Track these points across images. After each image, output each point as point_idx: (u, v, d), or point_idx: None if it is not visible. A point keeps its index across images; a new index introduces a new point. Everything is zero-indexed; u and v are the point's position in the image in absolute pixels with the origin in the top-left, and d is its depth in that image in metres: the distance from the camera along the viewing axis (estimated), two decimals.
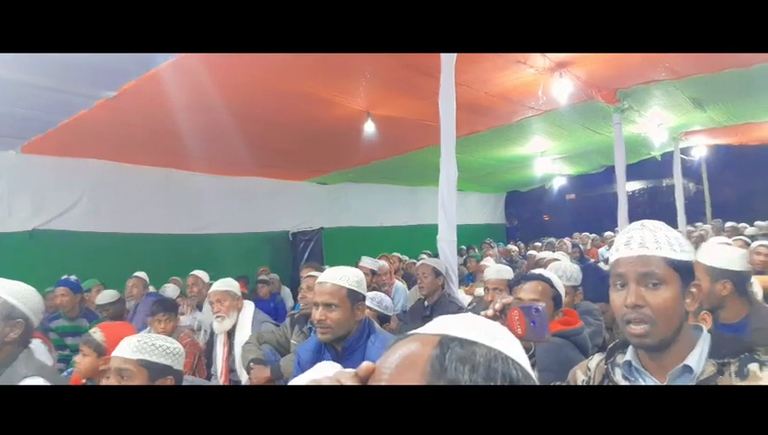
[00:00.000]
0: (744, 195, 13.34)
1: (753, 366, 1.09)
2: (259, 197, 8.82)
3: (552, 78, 5.43)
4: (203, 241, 7.91)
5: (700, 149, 11.47)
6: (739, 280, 2.25)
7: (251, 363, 2.95)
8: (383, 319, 3.30)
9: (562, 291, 2.23)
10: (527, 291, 2.14)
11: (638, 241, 1.17)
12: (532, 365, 1.32)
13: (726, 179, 13.11)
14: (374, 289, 4.25)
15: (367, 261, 5.32)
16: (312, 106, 5.57)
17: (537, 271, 2.35)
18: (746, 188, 13.46)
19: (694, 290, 1.18)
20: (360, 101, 5.64)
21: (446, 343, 0.62)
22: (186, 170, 7.74)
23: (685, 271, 1.16)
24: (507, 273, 3.32)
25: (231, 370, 3.33)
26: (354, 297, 2.12)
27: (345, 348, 2.10)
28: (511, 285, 2.73)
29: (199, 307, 4.82)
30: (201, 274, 4.98)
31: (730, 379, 1.09)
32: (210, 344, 3.56)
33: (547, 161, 10.28)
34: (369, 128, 6.10)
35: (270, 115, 5.75)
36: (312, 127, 6.31)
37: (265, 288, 6.77)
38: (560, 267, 2.90)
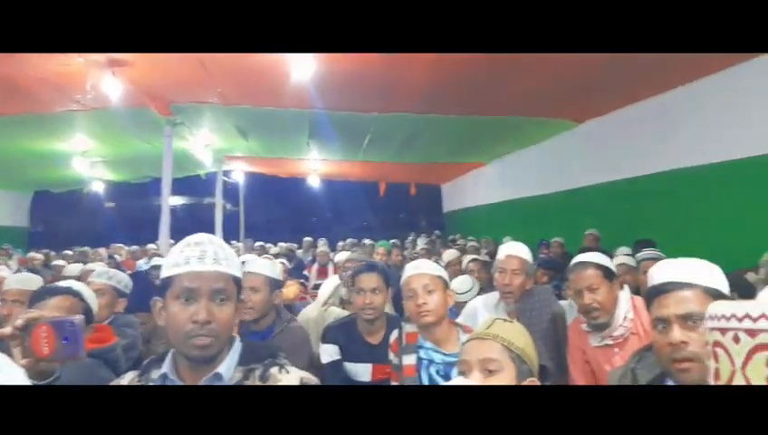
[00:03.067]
0: (271, 218, 15.51)
1: (274, 370, 1.22)
2: None
3: (104, 75, 5.01)
4: None
5: (239, 173, 12.66)
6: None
7: None
8: None
9: (95, 305, 2.00)
10: (53, 307, 1.82)
11: (212, 257, 1.19)
12: None
13: (258, 204, 14.88)
14: None
15: None
16: None
17: (65, 283, 2.02)
18: (273, 213, 15.71)
19: (240, 303, 1.26)
20: None
21: None
22: None
23: (239, 286, 1.24)
24: (32, 283, 2.77)
25: None
26: None
27: None
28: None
29: None
30: None
31: (255, 383, 1.19)
32: None
33: (87, 163, 9.45)
34: None
35: None
36: None
37: None
38: (108, 271, 2.67)
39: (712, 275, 1.30)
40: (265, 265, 2.57)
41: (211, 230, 10.19)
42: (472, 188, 12.76)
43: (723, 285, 1.29)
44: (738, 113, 4.74)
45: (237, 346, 1.25)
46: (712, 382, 0.61)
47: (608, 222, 6.54)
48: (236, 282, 1.23)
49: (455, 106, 6.45)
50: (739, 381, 0.56)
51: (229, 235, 11.53)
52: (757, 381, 0.54)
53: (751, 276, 3.83)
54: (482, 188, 11.99)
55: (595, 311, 2.14)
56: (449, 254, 5.40)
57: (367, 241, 8.55)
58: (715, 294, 1.25)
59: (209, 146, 8.71)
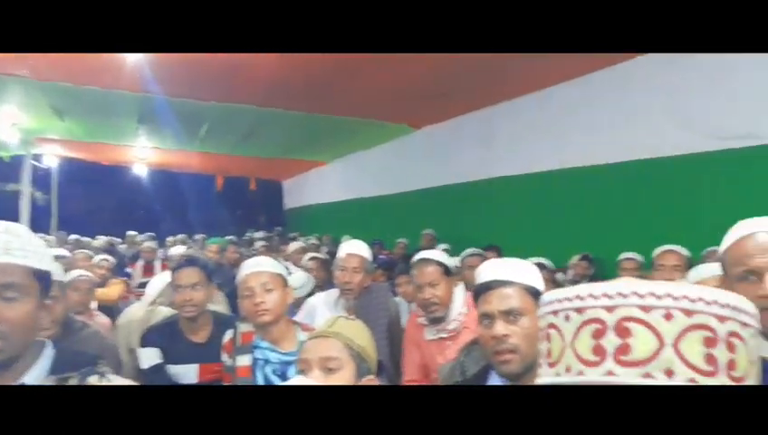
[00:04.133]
0: (91, 209, 14.01)
1: (93, 379, 1.10)
2: None
3: None
4: None
5: (53, 158, 11.28)
6: None
7: None
8: None
9: None
10: None
11: (4, 247, 1.03)
12: None
13: (75, 193, 13.37)
14: None
15: None
16: None
17: None
18: (93, 203, 14.20)
19: (50, 302, 1.13)
20: None
21: None
22: None
23: (45, 282, 1.09)
24: None
25: None
26: None
27: None
28: None
29: None
30: None
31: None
32: None
33: None
34: None
35: None
36: None
37: None
38: None
39: (530, 274, 1.42)
40: None
41: (14, 220, 8.94)
42: (314, 186, 12.79)
43: (539, 283, 1.42)
44: (556, 129, 5.37)
45: (49, 353, 1.12)
46: (543, 363, 0.63)
47: (443, 223, 7.04)
48: (39, 276, 1.07)
49: (297, 102, 6.39)
50: (568, 355, 0.59)
51: (39, 226, 10.27)
52: (583, 351, 0.57)
53: (560, 276, 4.36)
54: (323, 186, 12.07)
55: (434, 305, 2.26)
56: (294, 245, 5.60)
57: (199, 237, 8.16)
58: (533, 292, 1.37)
59: (16, 125, 7.63)
